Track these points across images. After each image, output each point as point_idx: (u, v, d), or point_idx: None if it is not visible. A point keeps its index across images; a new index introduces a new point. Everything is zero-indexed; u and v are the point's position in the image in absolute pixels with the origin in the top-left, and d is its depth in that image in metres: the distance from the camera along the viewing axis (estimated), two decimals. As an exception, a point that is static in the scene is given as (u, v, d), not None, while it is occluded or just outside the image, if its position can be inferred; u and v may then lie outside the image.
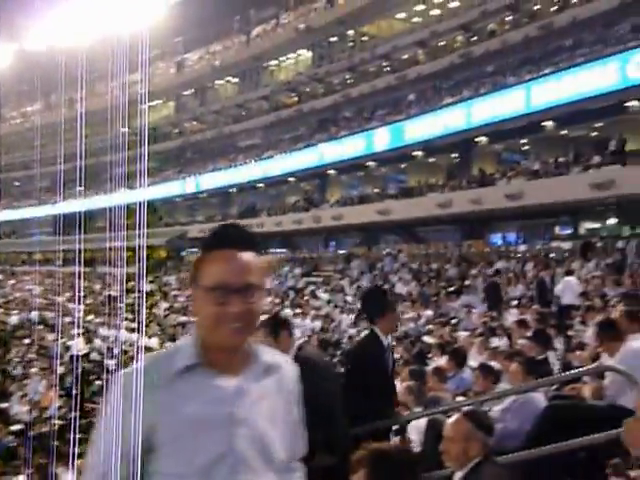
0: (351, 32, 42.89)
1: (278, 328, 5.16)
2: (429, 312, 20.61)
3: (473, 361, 8.83)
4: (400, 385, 7.50)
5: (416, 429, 6.24)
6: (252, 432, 2.08)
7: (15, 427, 12.42)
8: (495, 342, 11.39)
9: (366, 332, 5.94)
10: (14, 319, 28.75)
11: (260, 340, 5.14)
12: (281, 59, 48.21)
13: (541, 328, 9.90)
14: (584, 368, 6.92)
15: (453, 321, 17.93)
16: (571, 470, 5.13)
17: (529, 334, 9.32)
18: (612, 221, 26.62)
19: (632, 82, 22.96)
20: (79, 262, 32.44)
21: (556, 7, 30.29)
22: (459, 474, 4.02)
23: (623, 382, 5.07)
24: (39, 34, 53.16)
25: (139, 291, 18.99)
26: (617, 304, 9.61)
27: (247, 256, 2.12)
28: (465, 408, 5.00)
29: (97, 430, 2.08)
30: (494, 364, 7.71)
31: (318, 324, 22.48)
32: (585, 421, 5.19)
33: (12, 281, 44.51)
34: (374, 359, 5.58)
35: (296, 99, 45.10)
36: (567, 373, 6.82)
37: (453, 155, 33.18)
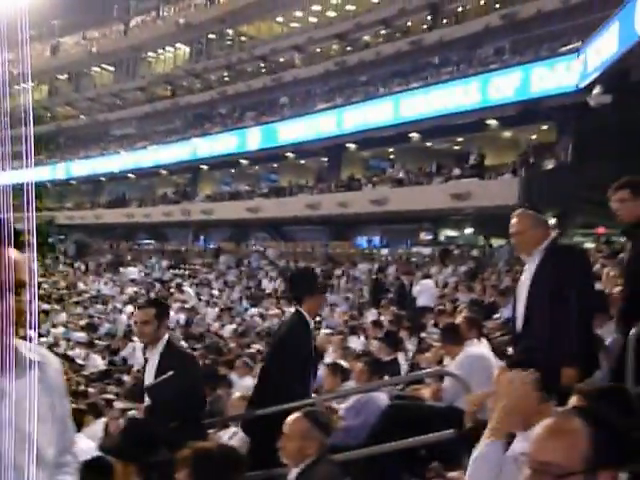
0: (230, 31, 42.88)
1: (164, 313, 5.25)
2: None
3: (329, 359, 8.65)
4: (253, 381, 7.34)
5: None
6: (17, 433, 2.02)
7: None
8: (353, 341, 11.51)
9: (292, 313, 5.72)
10: None
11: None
12: (159, 51, 47.54)
13: (392, 330, 10.08)
14: (424, 371, 7.11)
15: (316, 318, 18.44)
16: (411, 467, 5.20)
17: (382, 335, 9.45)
18: (469, 230, 27.86)
19: (492, 102, 24.26)
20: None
21: (426, 26, 31.51)
22: (294, 472, 3.97)
23: (460, 385, 5.20)
24: None
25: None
26: (463, 309, 9.87)
27: (10, 253, 2.07)
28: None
29: None
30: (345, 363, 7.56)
31: (182, 317, 21.83)
32: (424, 421, 5.30)
33: None
34: (299, 340, 5.39)
35: (172, 92, 44.71)
36: (408, 375, 7.18)
37: (323, 159, 33.78)
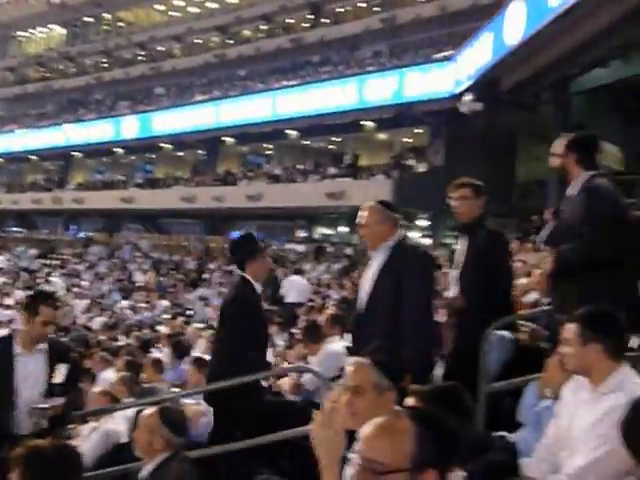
0: (108, 15, 41.39)
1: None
2: (165, 302, 20.34)
3: (200, 354, 8.37)
4: (114, 375, 7.28)
5: (124, 419, 5.92)
6: None
7: None
8: None
9: (235, 280, 5.53)
10: None
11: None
12: (31, 31, 45.37)
13: None
14: (283, 366, 7.15)
15: (188, 312, 17.68)
16: (272, 462, 5.12)
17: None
18: (343, 229, 27.96)
19: (368, 103, 24.38)
20: None
21: (307, 24, 31.40)
22: (148, 467, 3.96)
23: (320, 381, 5.13)
24: None
25: None
26: (330, 306, 9.89)
27: None
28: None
29: None
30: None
31: None
32: (284, 415, 5.21)
33: None
34: (248, 303, 5.21)
35: (44, 75, 42.79)
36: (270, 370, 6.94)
37: (200, 152, 33.17)
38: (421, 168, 23.62)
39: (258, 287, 5.35)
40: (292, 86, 27.59)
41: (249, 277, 5.24)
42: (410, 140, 26.79)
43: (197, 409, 5.88)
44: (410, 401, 2.91)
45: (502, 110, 19.52)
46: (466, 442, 2.73)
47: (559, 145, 4.44)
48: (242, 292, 5.21)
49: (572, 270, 4.20)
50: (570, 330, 3.05)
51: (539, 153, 19.33)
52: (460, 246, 4.99)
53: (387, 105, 23.74)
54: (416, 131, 25.67)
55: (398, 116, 23.46)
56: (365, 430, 1.86)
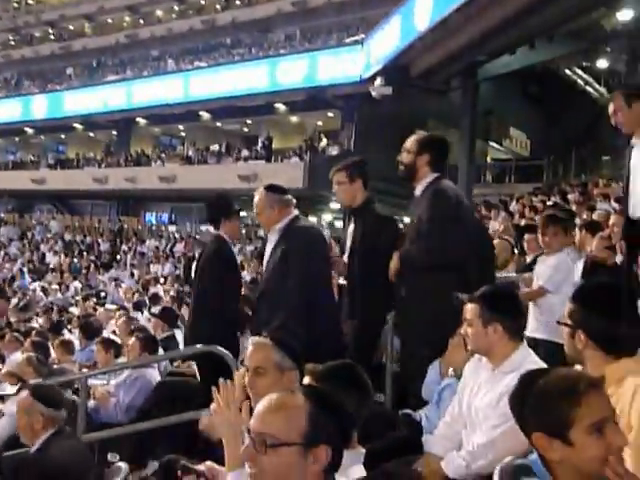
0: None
1: None
2: (78, 284, 19.96)
3: (111, 335, 8.34)
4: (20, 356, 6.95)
5: None
6: None
7: None
8: (138, 318, 10.75)
9: (211, 239, 5.43)
10: None
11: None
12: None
13: (168, 306, 9.71)
14: (190, 347, 6.68)
15: (102, 294, 17.45)
16: (178, 444, 4.88)
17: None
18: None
19: (280, 86, 23.91)
20: None
21: (220, 6, 30.59)
22: (32, 449, 3.79)
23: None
24: None
25: None
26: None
27: None
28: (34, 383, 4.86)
29: None
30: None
31: None
32: (191, 397, 5.17)
33: None
34: (227, 258, 5.14)
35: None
36: (176, 351, 6.91)
37: (113, 132, 32.04)
38: (333, 151, 23.31)
39: (232, 246, 5.42)
40: (204, 67, 26.90)
41: (225, 236, 5.18)
42: (322, 123, 26.44)
43: (105, 390, 5.90)
44: (306, 380, 2.88)
45: (412, 95, 19.44)
46: (369, 419, 2.88)
47: (413, 142, 4.32)
48: (219, 248, 5.12)
49: (416, 269, 4.17)
50: (471, 310, 3.02)
51: (448, 138, 19.72)
52: (350, 230, 4.80)
53: (299, 88, 23.35)
54: (329, 114, 25.39)
55: (310, 99, 23.16)
56: (259, 406, 1.87)
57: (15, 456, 4.46)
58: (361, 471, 2.42)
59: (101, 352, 6.68)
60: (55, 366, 7.05)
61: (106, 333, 8.62)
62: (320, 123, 26.49)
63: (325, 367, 2.96)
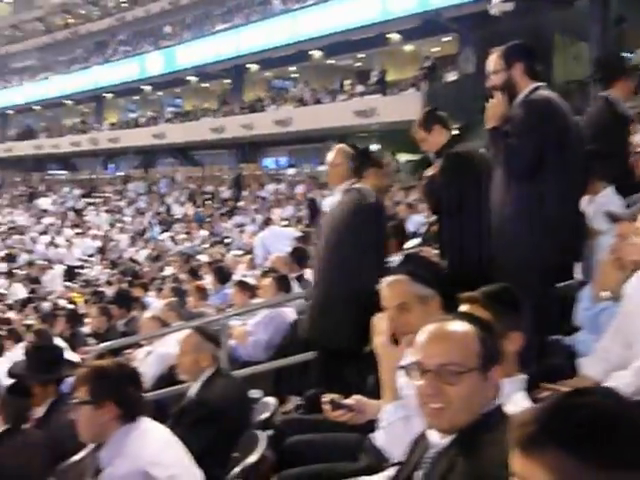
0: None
1: None
2: (204, 232, 19.39)
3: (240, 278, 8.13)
4: (161, 302, 7.50)
5: (176, 342, 5.24)
6: None
7: None
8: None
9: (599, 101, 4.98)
10: None
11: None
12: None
13: (299, 247, 8.71)
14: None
15: (226, 241, 17.22)
16: (315, 379, 4.58)
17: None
18: (375, 147, 25.59)
19: (392, 14, 21.43)
20: None
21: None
22: (194, 386, 3.77)
23: None
24: None
25: None
26: None
27: None
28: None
29: None
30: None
31: (98, 243, 21.18)
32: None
33: None
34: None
35: (71, 21, 39.99)
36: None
37: (226, 81, 30.37)
38: (452, 78, 20.79)
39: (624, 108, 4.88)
40: (312, 4, 24.50)
41: (614, 97, 4.79)
42: (439, 49, 23.83)
43: (243, 329, 5.95)
44: (463, 307, 2.51)
45: (535, 8, 16.72)
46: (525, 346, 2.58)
47: (496, 59, 3.76)
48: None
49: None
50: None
51: (577, 52, 17.24)
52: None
53: (412, 14, 20.72)
54: (444, 39, 22.77)
55: (424, 25, 20.54)
56: (424, 338, 1.78)
57: (172, 393, 4.74)
58: (524, 398, 2.24)
59: (238, 294, 6.76)
60: (193, 310, 7.27)
61: (236, 277, 8.52)
62: (436, 49, 23.88)
63: (484, 292, 2.61)
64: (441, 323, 1.77)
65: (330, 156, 4.40)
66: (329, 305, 4.22)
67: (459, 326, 1.74)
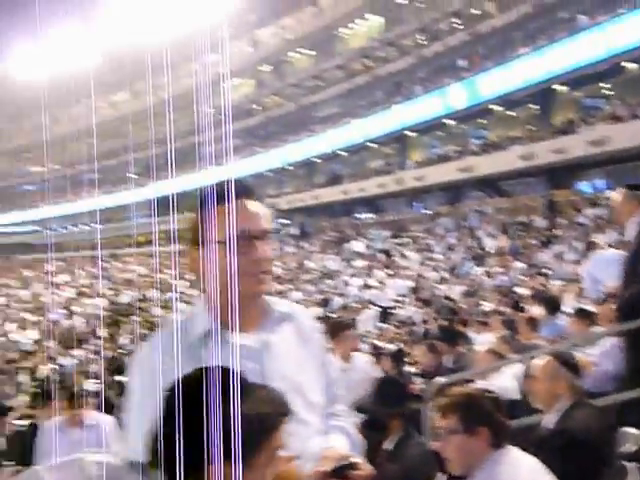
0: (420, -7, 41.35)
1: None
2: (520, 264, 20.07)
3: (567, 308, 8.50)
4: (492, 335, 7.73)
5: (512, 376, 6.03)
6: (286, 382, 1.96)
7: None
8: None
9: None
10: (122, 299, 29.27)
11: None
12: (352, 26, 46.97)
13: None
14: None
15: (545, 271, 17.52)
16: None
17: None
18: None
19: None
20: (173, 241, 32.50)
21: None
22: (550, 417, 3.84)
23: None
24: (120, 29, 53.47)
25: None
26: None
27: (256, 204, 2.10)
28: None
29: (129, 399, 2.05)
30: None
31: (410, 283, 22.35)
32: None
33: (116, 263, 45.37)
34: None
35: (370, 65, 43.94)
36: None
37: (532, 106, 31.58)
38: None
39: None
40: (624, 14, 24.87)
41: None
42: None
43: (585, 359, 5.69)
44: None
45: None
46: None
47: None
48: None
49: None
50: None
51: None
52: None
53: None
54: None
55: None
56: None
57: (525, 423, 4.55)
58: None
59: (577, 323, 6.77)
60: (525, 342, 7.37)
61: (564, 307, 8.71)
62: None
63: None
64: None
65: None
66: None
67: None
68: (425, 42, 39.53)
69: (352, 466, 1.94)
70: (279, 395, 1.64)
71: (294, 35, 49.83)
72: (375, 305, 20.01)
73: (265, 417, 1.56)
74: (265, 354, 2.04)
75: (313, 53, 50.28)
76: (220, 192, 2.03)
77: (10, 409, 8.36)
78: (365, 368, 6.63)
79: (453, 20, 37.82)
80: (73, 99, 48.07)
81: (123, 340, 19.60)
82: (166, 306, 22.67)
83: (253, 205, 2.09)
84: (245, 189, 2.08)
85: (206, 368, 1.56)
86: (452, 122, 35.29)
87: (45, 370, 13.74)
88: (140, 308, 24.36)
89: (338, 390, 2.25)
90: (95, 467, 1.71)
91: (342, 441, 2.13)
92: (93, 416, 5.87)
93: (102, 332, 21.14)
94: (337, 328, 6.32)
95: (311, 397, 2.10)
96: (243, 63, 51.08)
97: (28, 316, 30.45)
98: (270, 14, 51.14)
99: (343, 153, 43.12)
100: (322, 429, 2.12)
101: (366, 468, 1.97)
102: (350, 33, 47.45)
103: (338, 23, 46.56)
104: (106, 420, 5.80)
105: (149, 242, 47.87)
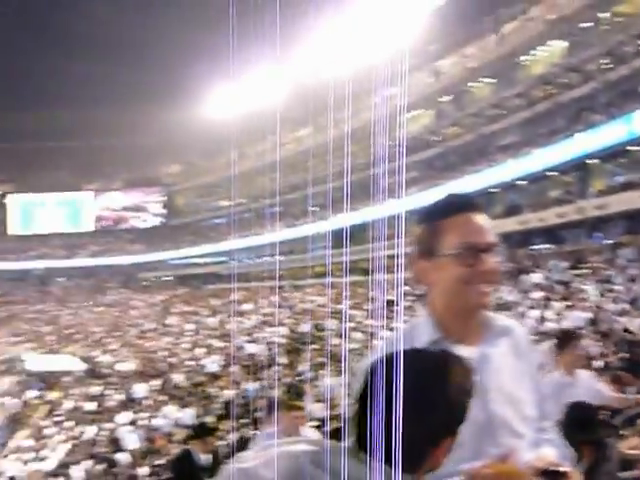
0: (604, 15, 40.45)
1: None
2: None
3: None
4: None
5: None
6: (503, 396, 2.10)
7: (311, 423, 13.22)
8: None
9: None
10: (302, 327, 30.52)
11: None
12: (533, 53, 46.66)
13: None
14: None
15: None
16: None
17: None
18: None
19: None
20: (350, 272, 33.19)
21: None
22: None
23: None
24: (306, 64, 56.03)
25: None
26: None
27: (482, 217, 2.23)
28: None
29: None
30: None
31: (589, 315, 21.91)
32: None
33: (297, 293, 47.16)
34: None
35: (551, 91, 43.36)
36: None
37: None
38: None
39: None
40: None
41: None
42: None
43: None
44: None
45: None
46: None
47: None
48: None
49: None
50: None
51: None
52: None
53: None
54: None
55: None
56: None
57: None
58: None
59: None
60: None
61: None
62: None
63: None
64: None
65: None
66: None
67: None
68: (610, 66, 38.64)
69: (564, 474, 2.01)
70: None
71: (476, 64, 50.11)
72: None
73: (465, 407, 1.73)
74: (484, 367, 2.08)
75: (494, 81, 50.29)
76: (448, 205, 2.19)
77: (216, 429, 9.29)
78: (590, 383, 6.47)
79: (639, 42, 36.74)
80: (260, 135, 50.67)
81: (301, 367, 20.59)
82: (343, 335, 23.26)
83: (480, 218, 2.20)
84: (472, 203, 2.22)
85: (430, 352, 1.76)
86: (637, 148, 34.11)
87: (230, 393, 14.76)
88: (318, 337, 25.10)
89: (549, 406, 2.35)
90: (303, 456, 1.72)
91: (554, 452, 2.18)
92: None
93: (282, 359, 21.96)
94: (567, 337, 6.40)
95: (526, 411, 2.15)
96: (423, 94, 51.90)
97: (215, 342, 32.54)
98: (452, 44, 51.84)
99: (522, 182, 42.69)
100: (534, 442, 2.18)
101: (577, 478, 2.03)
102: (532, 59, 47.09)
103: (520, 50, 46.46)
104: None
105: (326, 273, 49.33)
